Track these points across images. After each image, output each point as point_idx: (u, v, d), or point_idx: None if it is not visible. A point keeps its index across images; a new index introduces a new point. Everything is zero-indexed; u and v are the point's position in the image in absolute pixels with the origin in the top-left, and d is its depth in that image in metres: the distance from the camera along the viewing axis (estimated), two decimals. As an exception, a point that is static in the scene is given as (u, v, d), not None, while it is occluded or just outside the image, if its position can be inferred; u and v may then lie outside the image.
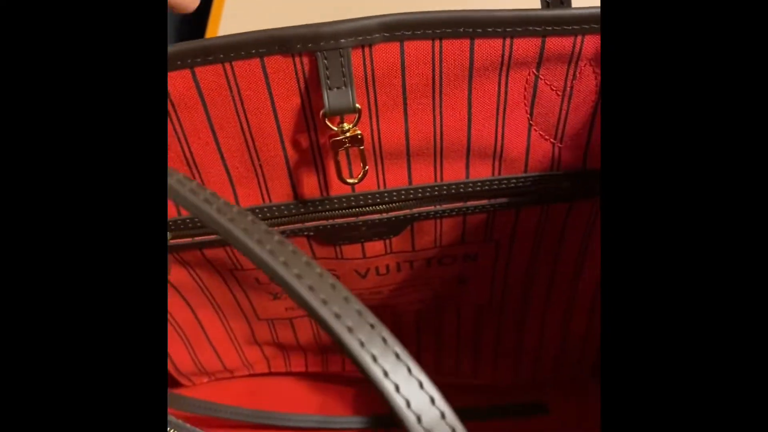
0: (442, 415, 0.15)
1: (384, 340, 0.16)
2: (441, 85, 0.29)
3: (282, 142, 0.29)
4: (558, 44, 0.28)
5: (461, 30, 0.27)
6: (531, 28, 0.27)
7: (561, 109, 0.30)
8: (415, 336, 0.45)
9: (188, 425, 0.26)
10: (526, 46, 0.28)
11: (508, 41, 0.28)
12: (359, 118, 0.28)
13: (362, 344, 0.15)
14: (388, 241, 0.36)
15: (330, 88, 0.27)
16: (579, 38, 0.28)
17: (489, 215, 0.35)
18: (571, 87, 0.30)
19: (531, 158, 0.32)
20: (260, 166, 0.30)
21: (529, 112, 0.30)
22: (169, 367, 0.45)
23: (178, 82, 0.27)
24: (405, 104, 0.29)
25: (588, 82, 0.29)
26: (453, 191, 0.33)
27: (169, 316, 0.41)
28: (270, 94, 0.27)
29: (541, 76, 0.29)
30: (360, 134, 0.28)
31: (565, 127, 0.31)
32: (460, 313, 0.43)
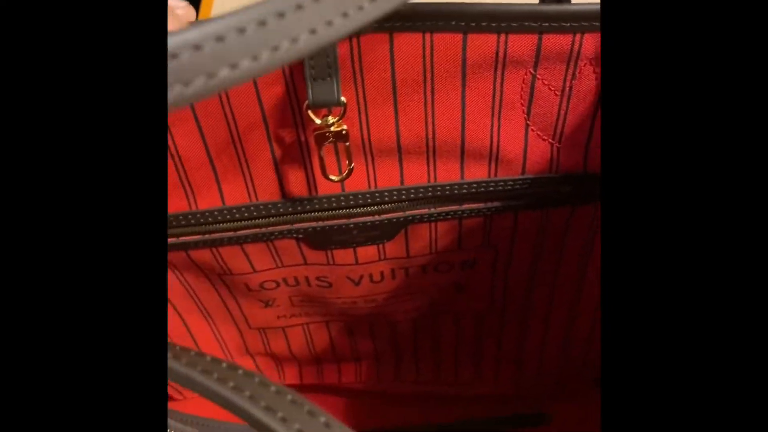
0: None
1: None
2: (433, 80, 0.27)
3: (268, 134, 0.28)
4: (555, 42, 0.27)
5: (453, 23, 0.26)
6: (527, 24, 0.26)
7: (560, 109, 0.29)
8: (412, 345, 0.43)
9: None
10: (521, 43, 0.27)
11: (502, 37, 0.27)
12: (344, 112, 0.27)
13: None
14: (381, 247, 0.35)
15: (314, 79, 0.26)
16: (578, 36, 0.27)
17: (486, 219, 0.34)
18: (570, 87, 0.28)
19: (528, 159, 0.31)
20: (246, 160, 0.29)
21: (526, 111, 0.29)
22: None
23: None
24: (395, 100, 0.28)
25: (588, 82, 0.28)
26: (447, 192, 0.32)
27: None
28: (254, 81, 0.26)
29: (538, 75, 0.28)
30: (345, 130, 0.27)
31: (563, 127, 0.30)
32: (458, 322, 0.41)
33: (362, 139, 0.29)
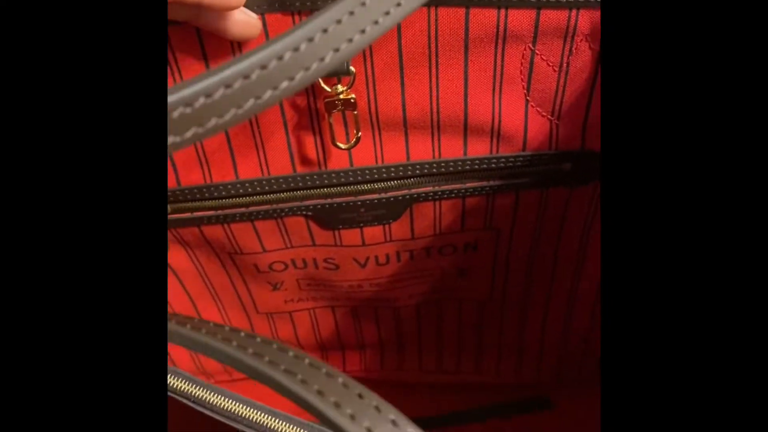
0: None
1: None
2: (437, 54, 0.29)
3: (282, 108, 0.30)
4: (553, 18, 0.28)
5: None
6: None
7: (558, 85, 0.31)
8: (416, 332, 0.44)
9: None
10: (520, 18, 0.28)
11: (503, 12, 0.28)
12: (353, 81, 0.29)
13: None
14: (387, 227, 0.36)
15: (326, 48, 0.27)
16: (574, 12, 0.28)
17: (488, 198, 0.35)
18: (568, 63, 0.30)
19: (529, 135, 0.32)
20: (260, 135, 0.31)
21: (525, 87, 0.31)
22: (169, 365, 0.44)
23: (179, 34, 0.27)
24: (402, 72, 0.29)
25: (584, 57, 0.30)
26: (451, 168, 0.33)
27: (168, 307, 0.41)
28: None
29: (537, 50, 0.30)
30: (353, 98, 0.29)
31: (562, 103, 0.31)
32: (461, 307, 0.42)
33: (369, 112, 0.30)
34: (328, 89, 0.29)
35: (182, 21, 0.27)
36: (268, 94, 0.17)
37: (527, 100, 0.31)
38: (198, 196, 0.33)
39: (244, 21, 0.27)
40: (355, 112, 0.30)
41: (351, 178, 0.33)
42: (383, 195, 0.34)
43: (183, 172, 0.32)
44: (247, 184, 0.33)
